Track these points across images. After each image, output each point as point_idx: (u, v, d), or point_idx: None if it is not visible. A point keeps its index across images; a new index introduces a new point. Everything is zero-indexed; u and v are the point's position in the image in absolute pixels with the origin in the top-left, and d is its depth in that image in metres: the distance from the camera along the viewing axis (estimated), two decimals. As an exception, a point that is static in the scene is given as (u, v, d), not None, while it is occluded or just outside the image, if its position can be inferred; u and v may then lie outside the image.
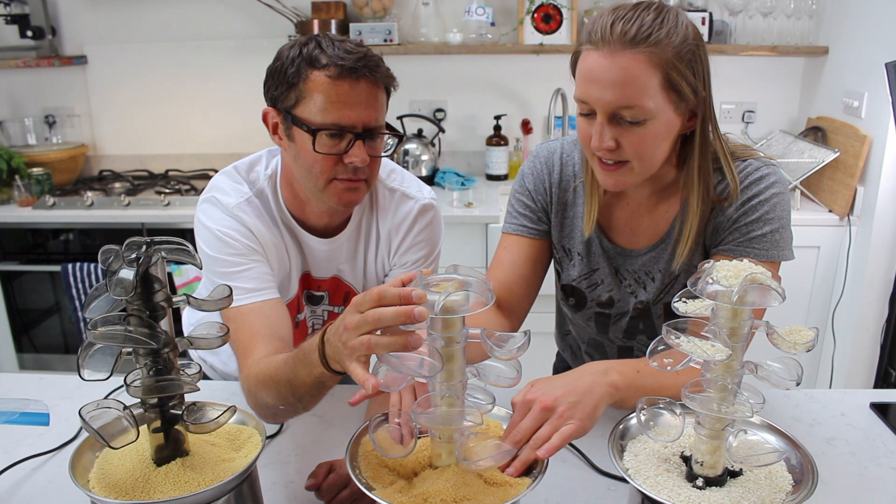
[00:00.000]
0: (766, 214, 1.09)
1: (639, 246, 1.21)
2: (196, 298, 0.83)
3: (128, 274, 0.74)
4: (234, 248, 1.16)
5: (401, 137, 1.22)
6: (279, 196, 1.23)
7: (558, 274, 1.30)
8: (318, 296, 1.34)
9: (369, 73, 1.08)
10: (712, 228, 1.14)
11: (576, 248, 1.25)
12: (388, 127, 1.16)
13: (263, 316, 1.13)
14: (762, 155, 1.14)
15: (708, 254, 1.16)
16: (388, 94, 1.16)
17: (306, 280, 1.31)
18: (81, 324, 2.75)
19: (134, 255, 0.75)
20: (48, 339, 2.98)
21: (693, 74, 1.01)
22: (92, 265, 2.66)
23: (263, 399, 1.01)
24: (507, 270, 1.25)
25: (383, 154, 1.18)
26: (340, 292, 1.35)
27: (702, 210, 1.11)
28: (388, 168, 1.31)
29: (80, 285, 2.67)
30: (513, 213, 1.28)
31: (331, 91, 1.07)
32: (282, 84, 1.10)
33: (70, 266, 2.65)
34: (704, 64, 1.04)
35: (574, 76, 1.07)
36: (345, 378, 0.88)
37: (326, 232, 1.27)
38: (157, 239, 0.78)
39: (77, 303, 2.70)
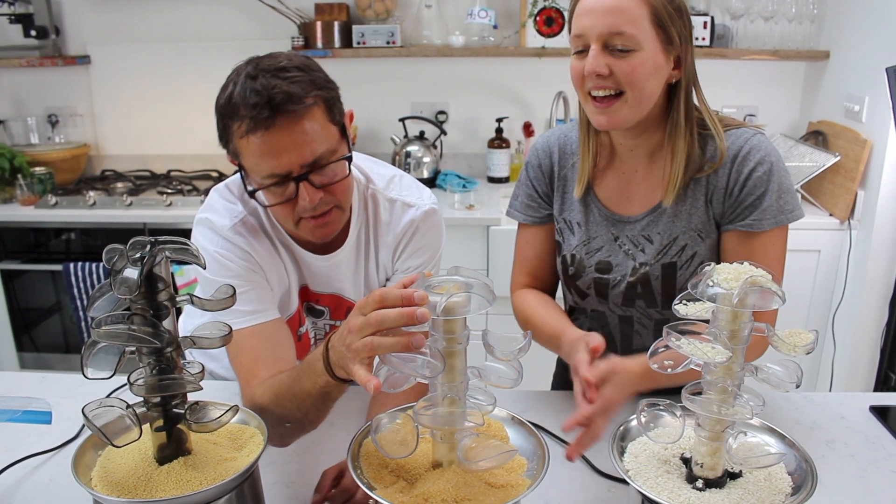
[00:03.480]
0: (771, 185, 1.16)
1: (635, 213, 1.25)
2: (199, 298, 0.83)
3: (132, 273, 0.74)
4: (231, 270, 1.14)
5: (349, 158, 1.10)
6: (271, 214, 1.20)
7: (559, 245, 1.33)
8: (318, 309, 1.32)
9: (280, 113, 0.99)
10: (712, 191, 1.18)
11: (575, 219, 1.29)
12: (333, 150, 1.06)
13: (265, 338, 1.12)
14: (750, 126, 1.21)
15: (719, 227, 1.20)
16: (328, 105, 1.05)
17: (304, 293, 1.29)
18: (83, 323, 2.76)
19: (138, 255, 0.76)
20: (49, 338, 2.98)
21: (680, 20, 1.11)
22: (93, 265, 2.66)
23: (268, 419, 1.00)
24: (535, 265, 1.37)
25: (348, 175, 1.10)
26: (342, 309, 1.32)
27: (688, 151, 1.16)
28: (386, 177, 1.28)
29: (81, 285, 2.68)
30: (524, 201, 1.34)
31: (253, 147, 1.02)
32: (221, 137, 1.08)
33: (71, 265, 2.65)
34: (689, 23, 1.13)
35: (570, 31, 1.14)
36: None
37: (324, 247, 1.24)
38: (161, 238, 0.78)
39: (78, 302, 2.71)
